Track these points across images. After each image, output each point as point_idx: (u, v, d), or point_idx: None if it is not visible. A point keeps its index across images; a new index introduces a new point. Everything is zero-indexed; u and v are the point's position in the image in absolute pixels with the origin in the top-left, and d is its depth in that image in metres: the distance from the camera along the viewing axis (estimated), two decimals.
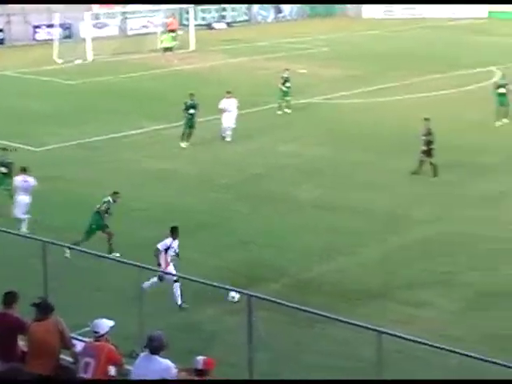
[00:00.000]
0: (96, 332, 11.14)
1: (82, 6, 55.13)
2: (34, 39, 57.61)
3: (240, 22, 70.81)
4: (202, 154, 30.28)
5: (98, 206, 20.71)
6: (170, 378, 10.56)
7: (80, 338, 12.31)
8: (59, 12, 53.99)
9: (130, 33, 60.79)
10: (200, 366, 10.58)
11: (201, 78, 44.27)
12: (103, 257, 15.65)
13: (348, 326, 13.69)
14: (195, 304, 17.62)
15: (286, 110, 36.28)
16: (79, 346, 11.51)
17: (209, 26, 67.53)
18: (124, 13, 61.11)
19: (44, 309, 11.50)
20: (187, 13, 60.27)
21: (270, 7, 72.84)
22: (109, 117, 35.50)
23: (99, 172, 27.70)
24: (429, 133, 27.04)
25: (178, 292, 17.56)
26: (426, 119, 27.45)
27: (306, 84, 41.40)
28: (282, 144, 31.31)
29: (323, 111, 37.18)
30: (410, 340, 13.02)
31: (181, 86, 40.72)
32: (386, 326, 15.72)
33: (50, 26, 55.46)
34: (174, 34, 52.52)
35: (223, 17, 69.88)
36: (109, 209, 20.64)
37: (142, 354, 10.85)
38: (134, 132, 33.33)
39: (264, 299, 13.42)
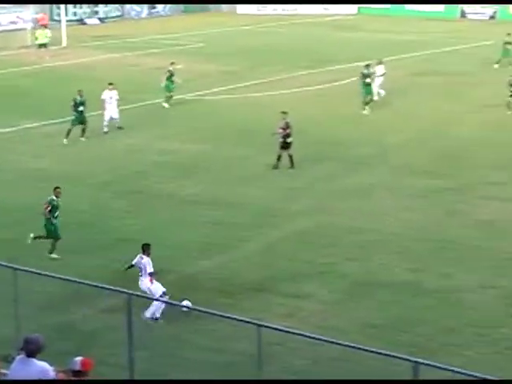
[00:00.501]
0: None
1: None
2: None
3: (113, 17, 70.01)
4: (80, 151, 29.87)
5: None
6: (47, 381, 10.34)
7: None
8: None
9: None
10: (77, 367, 10.40)
11: (73, 75, 43.51)
12: None
13: (229, 320, 13.78)
14: (71, 304, 17.29)
15: (165, 105, 36.25)
16: None
17: (81, 22, 66.48)
18: None
19: None
20: (58, 8, 59.15)
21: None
22: None
23: None
24: (287, 126, 27.50)
25: (158, 306, 16.89)
26: (284, 113, 27.91)
27: (182, 80, 41.33)
28: (159, 141, 31.15)
29: (199, 107, 37.17)
30: (288, 332, 13.22)
31: (53, 83, 40.03)
32: (269, 320, 15.94)
33: None
34: (47, 30, 51.47)
35: (96, 12, 68.91)
36: (53, 206, 20.32)
37: (17, 358, 10.58)
38: (6, 130, 32.50)
39: (144, 297, 13.35)
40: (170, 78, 36.35)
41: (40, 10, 56.47)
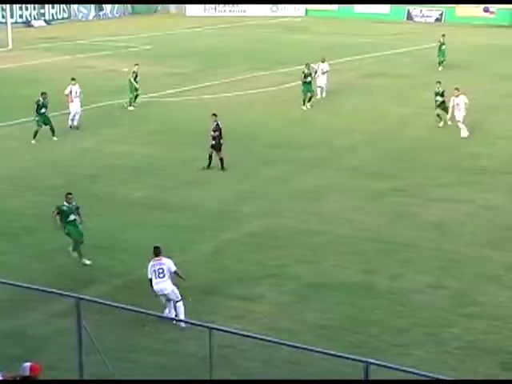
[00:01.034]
0: None
1: None
2: None
3: (59, 19, 69.37)
4: (30, 154, 29.56)
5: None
6: None
7: None
8: None
9: None
10: (27, 373, 10.26)
11: (19, 78, 43.03)
12: None
13: (179, 323, 13.71)
14: (20, 309, 17.07)
15: (130, 108, 36.73)
16: None
17: (27, 24, 65.74)
18: None
19: None
20: (3, 9, 58.41)
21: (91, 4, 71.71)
22: None
23: None
24: (217, 128, 27.59)
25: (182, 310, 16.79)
26: (214, 115, 27.96)
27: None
28: (110, 144, 30.96)
29: (151, 109, 36.99)
30: (239, 334, 13.20)
31: (0, 86, 39.49)
32: (220, 322, 15.92)
33: None
34: None
35: (42, 14, 68.21)
36: (59, 212, 19.87)
37: None
38: None
39: (93, 302, 13.22)
40: (135, 79, 36.72)
41: None
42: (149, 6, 75.46)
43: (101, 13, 72.86)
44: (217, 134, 27.65)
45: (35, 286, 13.63)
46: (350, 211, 23.79)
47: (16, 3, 62.19)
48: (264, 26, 68.01)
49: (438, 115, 33.24)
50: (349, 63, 49.15)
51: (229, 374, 14.32)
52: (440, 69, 46.88)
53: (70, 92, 33.10)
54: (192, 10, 75.47)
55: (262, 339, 12.72)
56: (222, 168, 27.70)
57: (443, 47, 47.60)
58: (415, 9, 72.85)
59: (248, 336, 12.78)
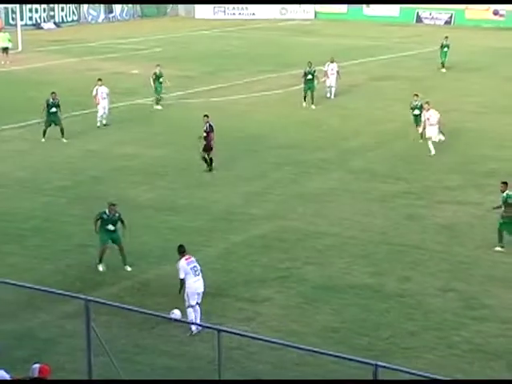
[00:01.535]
0: None
1: None
2: None
3: (69, 22, 69.49)
4: (38, 156, 29.61)
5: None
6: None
7: None
8: None
9: None
10: (36, 374, 10.26)
11: (28, 80, 43.11)
12: None
13: (188, 325, 13.69)
14: (28, 310, 17.07)
15: (157, 107, 37.09)
16: None
17: (37, 26, 65.89)
18: None
19: None
20: (13, 12, 58.53)
21: (101, 6, 71.79)
22: None
23: None
24: (210, 129, 27.52)
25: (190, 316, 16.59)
26: (206, 116, 27.90)
27: (139, 85, 41.20)
28: (118, 146, 30.96)
29: (159, 112, 36.98)
30: (248, 337, 13.18)
31: (9, 88, 39.59)
32: (228, 324, 15.91)
33: None
34: (7, 33, 50.64)
35: (52, 16, 68.34)
36: (103, 219, 19.66)
37: None
38: None
39: (102, 303, 13.21)
40: (158, 79, 36.91)
41: None
42: (158, 8, 75.54)
43: (110, 15, 72.94)
44: (209, 134, 27.41)
45: (44, 288, 13.64)
46: (358, 213, 23.74)
47: (26, 3, 62.27)
48: (273, 28, 68.01)
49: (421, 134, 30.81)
50: (358, 65, 49.10)
51: (237, 376, 14.29)
52: (443, 70, 46.79)
53: (97, 93, 33.73)
54: (201, 12, 75.51)
55: (270, 341, 12.69)
56: (210, 169, 27.53)
57: (445, 49, 47.39)
58: (425, 11, 72.70)
59: (257, 338, 12.75)
